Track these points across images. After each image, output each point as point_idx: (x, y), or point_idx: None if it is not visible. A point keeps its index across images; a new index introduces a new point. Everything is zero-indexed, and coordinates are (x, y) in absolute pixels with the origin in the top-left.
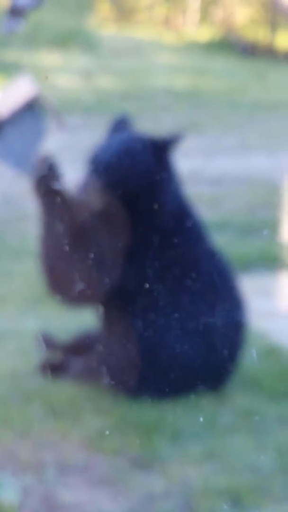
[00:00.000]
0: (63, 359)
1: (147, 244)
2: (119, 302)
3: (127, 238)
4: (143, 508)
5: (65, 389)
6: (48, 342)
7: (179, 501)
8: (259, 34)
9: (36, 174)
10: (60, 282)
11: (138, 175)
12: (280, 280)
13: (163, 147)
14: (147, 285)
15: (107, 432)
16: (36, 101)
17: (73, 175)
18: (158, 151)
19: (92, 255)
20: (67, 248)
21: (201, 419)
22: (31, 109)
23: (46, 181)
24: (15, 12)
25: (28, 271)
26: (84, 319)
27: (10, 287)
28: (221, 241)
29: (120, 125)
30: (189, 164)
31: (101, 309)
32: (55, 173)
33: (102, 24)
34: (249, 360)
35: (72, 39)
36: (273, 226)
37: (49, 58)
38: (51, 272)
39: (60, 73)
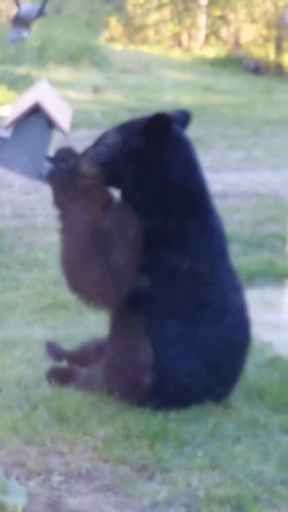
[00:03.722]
0: (70, 368)
1: (160, 246)
2: (129, 307)
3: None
4: None
5: (71, 398)
6: (55, 350)
7: (182, 509)
8: (266, 52)
9: (47, 175)
10: (80, 280)
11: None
12: (285, 293)
13: (162, 122)
14: (157, 293)
15: (113, 440)
16: (40, 109)
17: None
18: (156, 126)
19: (109, 255)
20: (86, 245)
21: (206, 429)
22: (36, 117)
23: (60, 173)
24: (19, 22)
25: (36, 280)
26: (90, 329)
27: (18, 296)
28: None
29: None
30: None
31: (111, 314)
32: (68, 165)
33: (112, 40)
34: (253, 371)
35: (82, 54)
36: (278, 239)
37: (60, 72)
38: (71, 270)
39: (70, 87)
